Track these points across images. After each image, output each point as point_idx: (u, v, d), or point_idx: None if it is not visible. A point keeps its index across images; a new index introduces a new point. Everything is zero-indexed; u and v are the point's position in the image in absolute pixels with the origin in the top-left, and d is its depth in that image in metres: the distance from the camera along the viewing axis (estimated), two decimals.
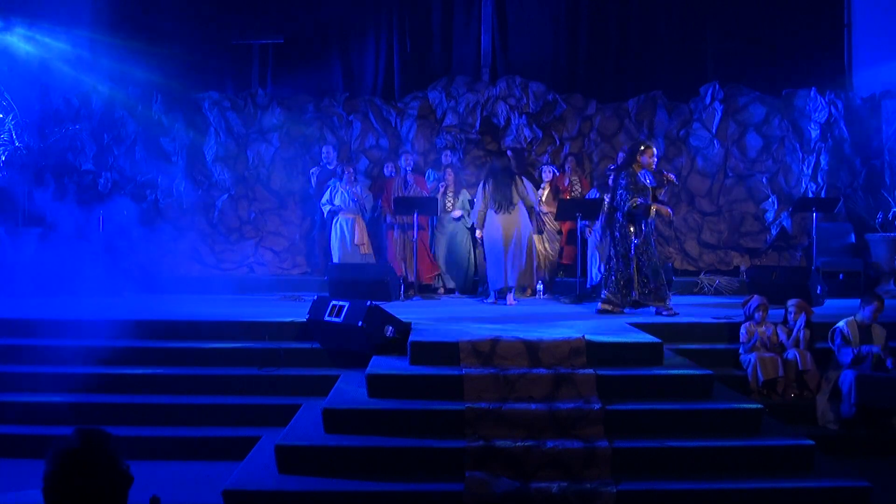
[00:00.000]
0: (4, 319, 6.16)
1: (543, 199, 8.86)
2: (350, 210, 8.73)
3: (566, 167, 9.37)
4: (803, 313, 5.62)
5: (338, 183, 8.77)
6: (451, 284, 8.85)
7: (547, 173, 9.04)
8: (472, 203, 8.47)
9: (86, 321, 6.07)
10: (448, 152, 9.45)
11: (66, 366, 5.53)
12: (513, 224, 7.48)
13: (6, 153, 8.98)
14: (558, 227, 8.91)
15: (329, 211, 8.76)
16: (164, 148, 9.83)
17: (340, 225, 8.75)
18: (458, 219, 8.83)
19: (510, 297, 7.62)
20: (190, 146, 9.89)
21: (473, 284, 8.85)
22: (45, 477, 1.79)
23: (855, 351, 5.20)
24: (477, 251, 8.73)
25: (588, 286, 8.34)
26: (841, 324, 5.38)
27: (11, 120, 8.99)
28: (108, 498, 1.79)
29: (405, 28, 10.75)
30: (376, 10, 10.76)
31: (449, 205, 8.78)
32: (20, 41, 9.20)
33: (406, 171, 8.95)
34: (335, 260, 8.64)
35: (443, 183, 8.80)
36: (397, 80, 10.67)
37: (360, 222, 8.84)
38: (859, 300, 5.53)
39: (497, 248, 7.49)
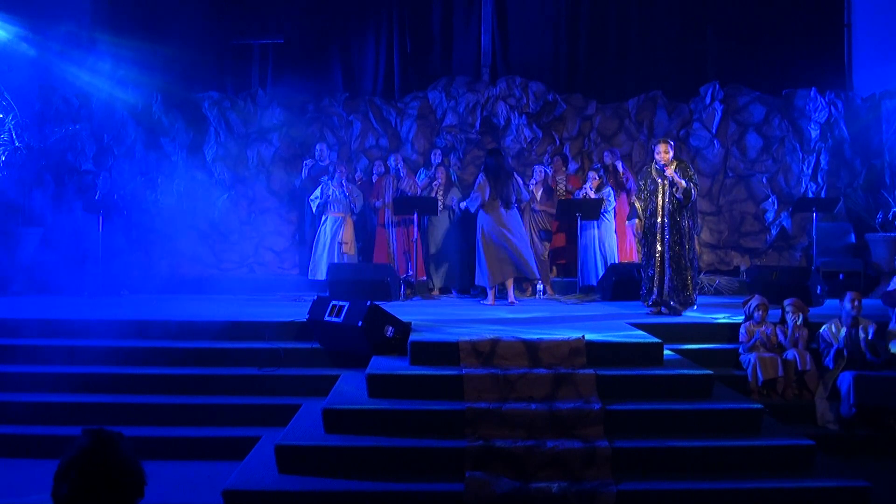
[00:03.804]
0: (4, 319, 6.15)
1: (538, 198, 8.86)
2: (340, 209, 8.73)
3: (550, 167, 9.40)
4: (800, 313, 5.63)
5: (330, 182, 8.76)
6: (442, 281, 8.78)
7: (538, 173, 9.04)
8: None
9: (85, 321, 6.07)
10: (438, 152, 9.46)
11: (66, 366, 5.53)
12: (515, 219, 7.54)
13: (6, 153, 8.98)
14: (548, 227, 8.92)
15: (318, 205, 8.72)
16: (164, 148, 9.83)
17: (330, 224, 8.74)
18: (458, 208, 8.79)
19: (511, 296, 7.61)
20: (190, 146, 9.89)
21: (464, 284, 8.79)
22: (57, 477, 1.78)
23: (834, 347, 5.25)
24: (467, 251, 8.69)
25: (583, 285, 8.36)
26: (823, 329, 5.48)
27: (11, 120, 8.99)
28: (122, 498, 1.78)
29: (405, 28, 10.75)
30: (376, 10, 10.76)
31: (441, 204, 8.76)
32: (20, 41, 9.19)
33: (397, 169, 8.97)
34: (319, 259, 8.61)
35: (437, 182, 8.79)
36: (397, 80, 10.67)
37: (349, 222, 8.84)
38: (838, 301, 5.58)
39: (499, 244, 7.48)
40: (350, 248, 8.80)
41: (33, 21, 9.26)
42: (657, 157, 6.65)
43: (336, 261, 8.49)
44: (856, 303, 5.36)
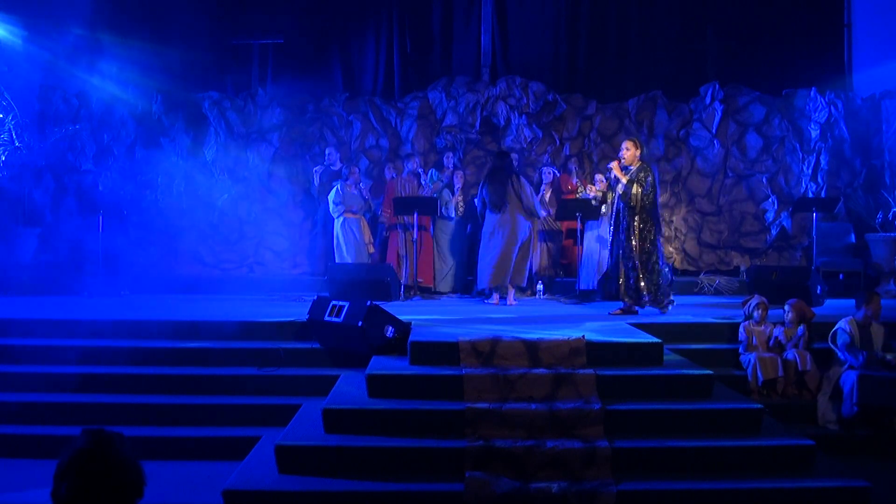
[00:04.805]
0: (4, 319, 6.16)
1: (547, 199, 8.85)
2: (357, 210, 8.73)
3: (570, 166, 9.38)
4: (800, 315, 5.62)
5: (344, 184, 8.75)
6: (450, 285, 8.82)
7: (547, 174, 9.04)
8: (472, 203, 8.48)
9: (85, 321, 6.07)
10: (450, 154, 9.45)
11: (65, 366, 5.53)
12: (506, 223, 7.46)
13: (6, 153, 8.98)
14: (558, 227, 8.91)
15: (341, 210, 8.72)
16: (164, 148, 9.82)
17: (349, 225, 8.71)
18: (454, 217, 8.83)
19: (510, 297, 7.60)
20: (190, 146, 9.89)
21: (471, 284, 8.84)
22: (56, 477, 1.78)
23: (861, 354, 5.19)
24: (474, 253, 8.72)
25: (584, 286, 8.34)
26: (841, 323, 5.38)
27: (11, 120, 8.99)
28: (121, 498, 1.78)
29: (405, 28, 10.75)
30: (376, 10, 10.76)
31: (461, 207, 8.77)
32: (21, 41, 9.19)
33: (417, 171, 8.99)
34: (347, 260, 8.61)
35: (458, 186, 8.81)
36: (397, 80, 10.67)
37: (365, 222, 8.85)
38: (854, 300, 5.53)
39: (489, 247, 7.49)
40: (372, 248, 8.83)
41: (34, 21, 9.27)
42: (620, 152, 6.77)
43: (366, 261, 8.52)
44: (869, 310, 5.33)
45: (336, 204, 8.66)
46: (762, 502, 3.91)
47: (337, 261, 8.71)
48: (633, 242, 6.54)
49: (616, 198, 6.67)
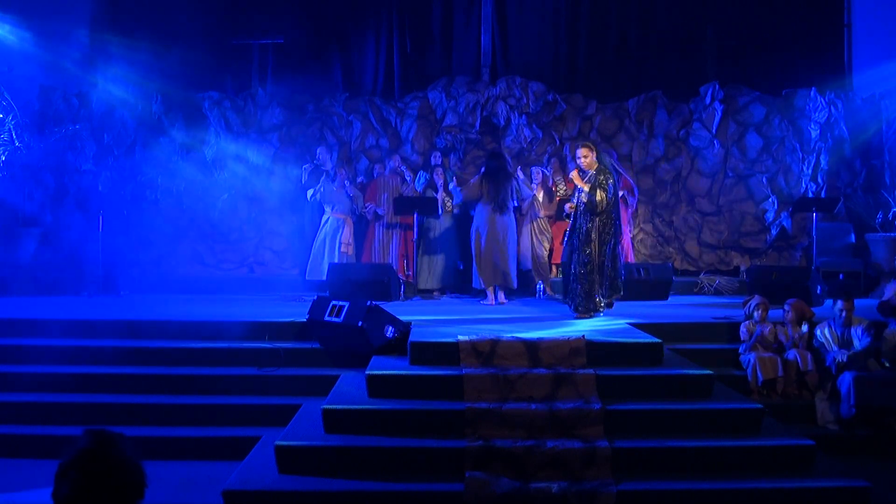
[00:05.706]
0: (4, 319, 6.15)
1: (540, 199, 8.86)
2: (341, 211, 8.72)
3: (549, 168, 9.37)
4: (800, 315, 5.64)
5: (331, 183, 8.76)
6: (438, 283, 8.79)
7: (536, 175, 9.02)
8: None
9: (85, 321, 6.07)
10: (437, 153, 9.46)
11: (66, 366, 5.54)
12: (506, 226, 7.65)
13: (6, 153, 8.97)
14: (548, 228, 8.90)
15: (314, 198, 8.71)
16: (164, 148, 9.81)
17: (329, 224, 8.73)
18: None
19: (500, 296, 7.70)
20: (190, 146, 9.88)
21: (463, 284, 8.82)
22: (57, 477, 1.78)
23: (833, 355, 5.25)
24: (465, 251, 8.72)
25: None
26: (817, 330, 5.51)
27: (11, 120, 8.98)
28: (122, 499, 1.78)
29: (405, 28, 10.74)
30: (376, 10, 10.75)
31: (448, 205, 8.78)
32: (20, 41, 9.19)
33: (400, 171, 8.98)
34: (318, 259, 8.61)
35: (440, 182, 8.81)
36: (397, 80, 10.66)
37: (349, 223, 8.83)
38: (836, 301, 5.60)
39: (488, 249, 7.59)
40: (350, 249, 8.79)
41: (33, 21, 9.25)
42: (577, 160, 6.60)
43: (336, 261, 8.48)
44: (843, 313, 5.39)
45: (311, 196, 8.70)
46: (762, 502, 3.92)
47: (310, 258, 8.76)
48: (591, 246, 6.33)
49: (578, 203, 6.47)
